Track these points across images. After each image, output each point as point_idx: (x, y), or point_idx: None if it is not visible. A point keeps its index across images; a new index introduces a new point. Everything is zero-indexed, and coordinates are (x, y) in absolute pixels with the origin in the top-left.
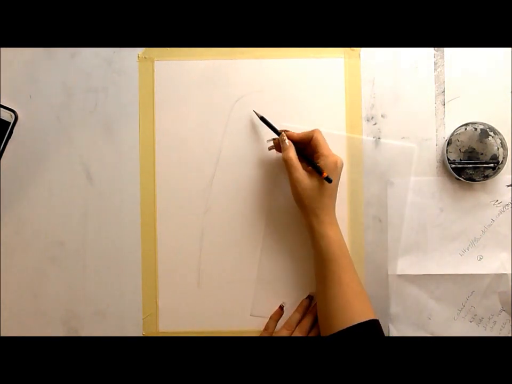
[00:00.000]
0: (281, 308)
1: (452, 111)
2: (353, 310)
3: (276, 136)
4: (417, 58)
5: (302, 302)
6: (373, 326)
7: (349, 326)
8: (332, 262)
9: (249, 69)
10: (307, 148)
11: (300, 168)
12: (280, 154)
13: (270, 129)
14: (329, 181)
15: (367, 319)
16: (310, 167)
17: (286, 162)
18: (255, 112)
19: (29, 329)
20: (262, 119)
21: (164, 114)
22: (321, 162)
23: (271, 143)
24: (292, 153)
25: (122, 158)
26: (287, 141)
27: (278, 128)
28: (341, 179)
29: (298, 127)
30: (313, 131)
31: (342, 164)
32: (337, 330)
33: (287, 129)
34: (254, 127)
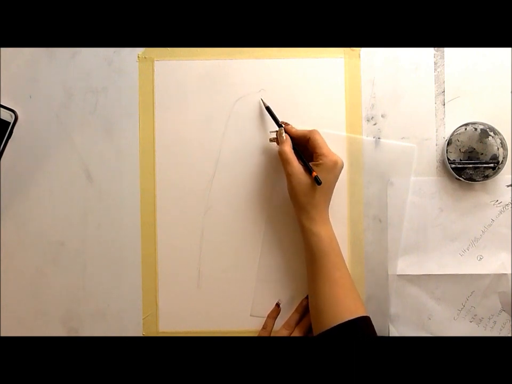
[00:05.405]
0: (277, 305)
1: (452, 111)
2: (344, 307)
3: (277, 128)
4: (417, 58)
5: (301, 302)
6: (363, 323)
7: (339, 323)
8: (321, 259)
9: (249, 69)
10: (306, 147)
11: (294, 163)
12: None
13: (271, 126)
14: (318, 182)
15: (357, 316)
16: (308, 163)
17: (280, 156)
18: (262, 101)
19: (29, 329)
20: (268, 109)
21: (163, 114)
22: (320, 162)
23: (273, 135)
24: (287, 147)
25: (122, 158)
26: (284, 134)
27: (281, 121)
28: (341, 179)
29: (299, 127)
30: (310, 132)
31: (342, 164)
32: (328, 327)
33: (288, 123)
34: (254, 127)
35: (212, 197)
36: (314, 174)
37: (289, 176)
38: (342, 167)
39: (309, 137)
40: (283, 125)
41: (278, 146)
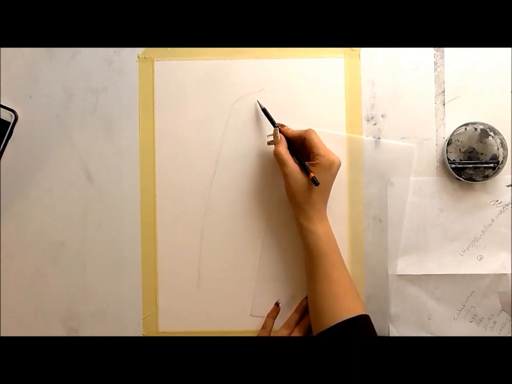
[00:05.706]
0: (277, 304)
1: (452, 111)
2: (343, 306)
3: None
4: (417, 58)
5: (301, 302)
6: (362, 322)
7: (338, 322)
8: (319, 258)
9: (249, 69)
10: (304, 147)
11: (290, 162)
12: None
13: (271, 126)
14: (316, 183)
15: (356, 315)
16: (305, 162)
17: (275, 157)
18: (258, 103)
19: (29, 329)
20: (264, 110)
21: (163, 114)
22: (317, 161)
23: (271, 138)
24: (282, 147)
25: (122, 158)
26: (279, 135)
27: (277, 122)
28: (341, 179)
29: (298, 127)
30: (306, 132)
31: (339, 164)
32: (327, 327)
33: (284, 124)
34: (254, 127)
35: (212, 197)
36: (311, 175)
37: (285, 176)
38: (339, 166)
39: (305, 137)
40: (279, 126)
41: None
